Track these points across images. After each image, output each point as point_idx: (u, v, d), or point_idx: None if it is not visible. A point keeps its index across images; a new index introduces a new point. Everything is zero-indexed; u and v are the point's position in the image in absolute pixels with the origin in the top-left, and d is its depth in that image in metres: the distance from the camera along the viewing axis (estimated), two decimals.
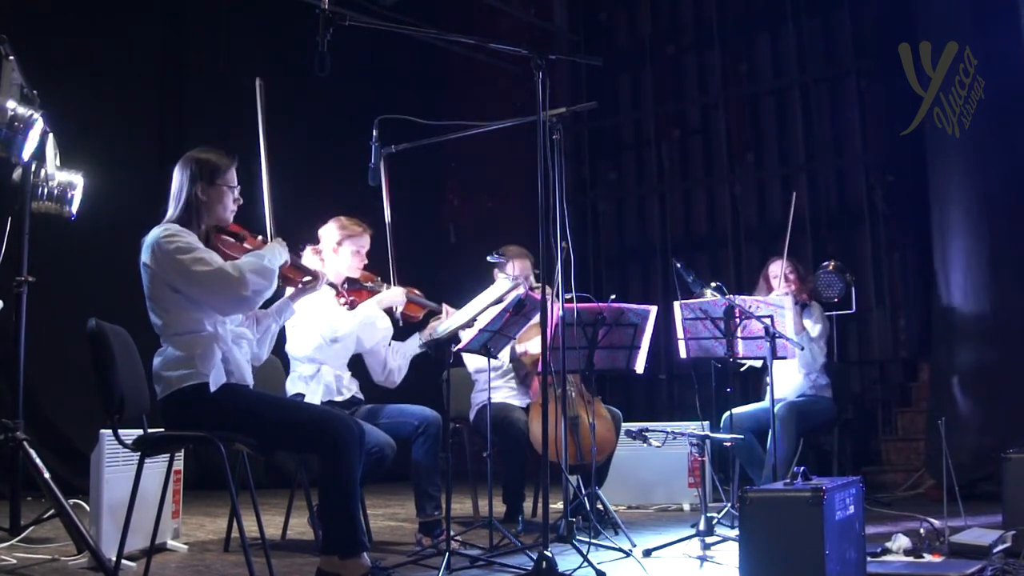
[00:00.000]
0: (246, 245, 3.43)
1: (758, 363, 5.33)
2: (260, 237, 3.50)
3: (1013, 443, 4.07)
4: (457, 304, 4.24)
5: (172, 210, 3.33)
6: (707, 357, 4.71)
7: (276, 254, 3.37)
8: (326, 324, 4.20)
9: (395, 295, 4.32)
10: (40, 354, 5.10)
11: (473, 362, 4.96)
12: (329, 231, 4.33)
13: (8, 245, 4.05)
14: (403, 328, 4.47)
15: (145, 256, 3.22)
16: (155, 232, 3.24)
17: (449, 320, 4.13)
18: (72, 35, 6.59)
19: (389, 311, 4.34)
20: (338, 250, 4.30)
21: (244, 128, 7.30)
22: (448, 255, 9.19)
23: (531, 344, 4.89)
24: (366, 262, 4.38)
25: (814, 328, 5.39)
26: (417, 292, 4.47)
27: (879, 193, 7.82)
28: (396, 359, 4.50)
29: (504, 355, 4.83)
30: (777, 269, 5.50)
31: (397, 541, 4.58)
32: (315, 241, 4.37)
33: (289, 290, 3.67)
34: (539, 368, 4.72)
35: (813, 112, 8.18)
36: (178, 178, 3.34)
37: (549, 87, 3.44)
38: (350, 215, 4.44)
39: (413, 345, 4.53)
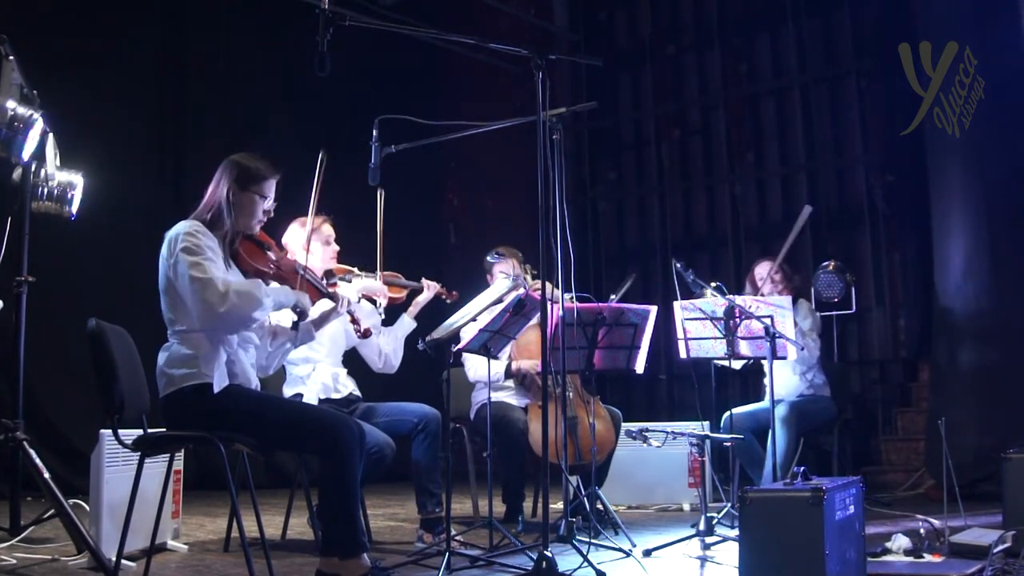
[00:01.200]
0: (270, 254, 3.43)
1: (737, 364, 5.33)
2: (285, 251, 3.49)
3: (1013, 443, 4.07)
4: (457, 305, 4.25)
5: (200, 208, 3.35)
6: (707, 357, 4.71)
7: (283, 295, 3.34)
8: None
9: (373, 284, 4.31)
10: (40, 354, 5.11)
11: (472, 371, 4.96)
12: (293, 232, 4.32)
13: (8, 245, 4.05)
14: (389, 312, 4.47)
15: (164, 249, 3.24)
16: (178, 227, 3.25)
17: (449, 320, 4.13)
18: (72, 35, 6.59)
19: (371, 299, 4.34)
20: (308, 246, 4.29)
21: (243, 128, 7.34)
22: (448, 255, 9.20)
23: (526, 362, 4.90)
24: (338, 249, 4.38)
25: (804, 322, 5.39)
26: (396, 274, 4.47)
27: (879, 193, 7.82)
28: (389, 343, 4.50)
29: (495, 370, 4.84)
30: (763, 271, 5.49)
31: (397, 541, 4.58)
32: None
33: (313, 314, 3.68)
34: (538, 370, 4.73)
35: (813, 112, 8.18)
36: (215, 177, 3.36)
37: (549, 87, 3.44)
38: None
39: (404, 325, 4.55)
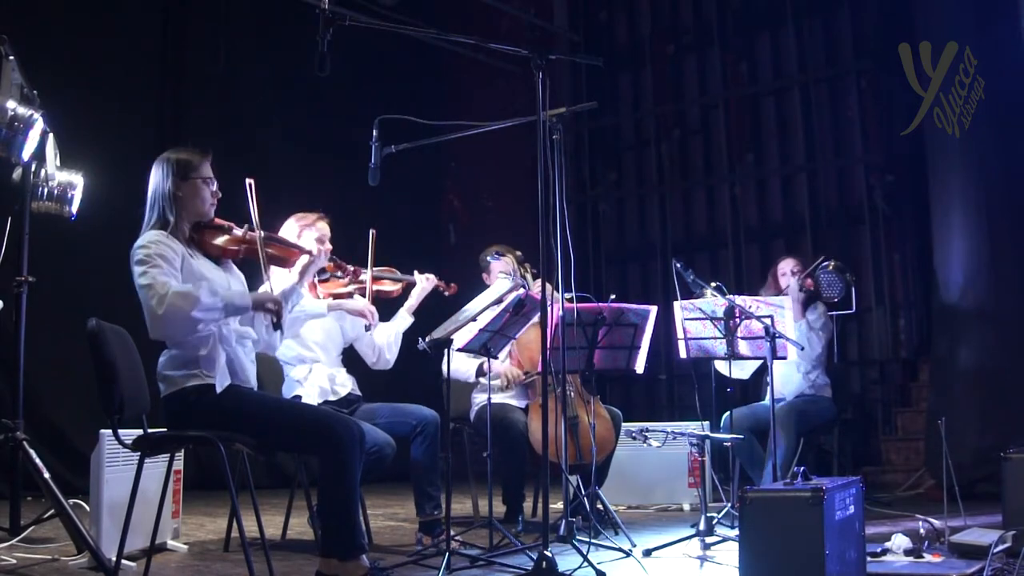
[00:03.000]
0: (235, 232, 3.45)
1: (744, 375, 5.34)
2: (246, 226, 3.48)
3: (1013, 443, 4.07)
4: (457, 305, 4.24)
5: (149, 214, 3.35)
6: (707, 357, 4.71)
7: (237, 298, 3.27)
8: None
9: (357, 304, 4.30)
10: (40, 354, 5.10)
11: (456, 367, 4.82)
12: (288, 228, 4.31)
13: (8, 245, 4.05)
14: (387, 307, 4.47)
15: (131, 266, 3.25)
16: (137, 242, 3.27)
17: (449, 320, 4.13)
18: (72, 35, 6.59)
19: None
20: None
21: (243, 128, 7.34)
22: (448, 255, 9.19)
23: (508, 367, 4.88)
24: (331, 247, 4.36)
25: (816, 322, 5.41)
26: (390, 269, 4.45)
27: (879, 193, 7.82)
28: (384, 338, 4.48)
29: (468, 370, 4.84)
30: (786, 267, 5.53)
31: (397, 541, 4.58)
32: None
33: (294, 275, 3.66)
34: (538, 369, 4.72)
35: (813, 112, 8.19)
36: (153, 180, 3.37)
37: (549, 87, 3.44)
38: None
39: (400, 321, 4.53)
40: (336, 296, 4.33)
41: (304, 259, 3.65)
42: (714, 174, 8.74)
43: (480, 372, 4.86)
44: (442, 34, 6.87)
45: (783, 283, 5.52)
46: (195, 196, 3.36)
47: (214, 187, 3.42)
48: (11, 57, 3.95)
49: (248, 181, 3.48)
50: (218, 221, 3.45)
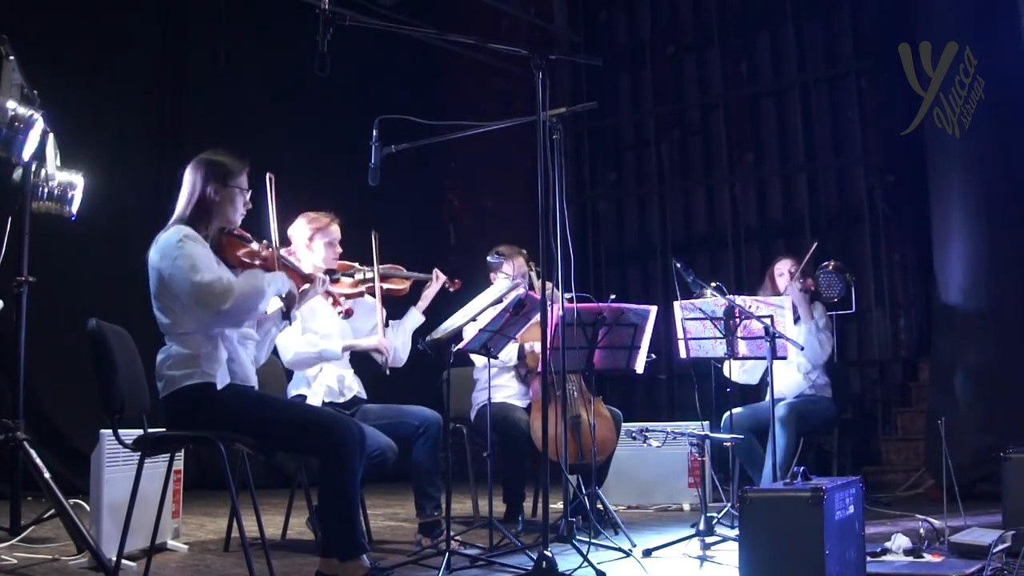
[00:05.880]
0: (253, 246, 3.46)
1: (752, 379, 5.34)
2: (264, 241, 3.50)
3: (1013, 443, 4.07)
4: (457, 305, 4.24)
5: (182, 209, 3.35)
6: (707, 357, 4.71)
7: (279, 281, 3.37)
8: (317, 341, 4.23)
9: (372, 342, 4.31)
10: (40, 354, 5.10)
11: (480, 360, 4.94)
12: (299, 228, 4.30)
13: (8, 245, 4.05)
14: (396, 304, 4.47)
15: (155, 256, 3.23)
16: (168, 233, 3.26)
17: (449, 321, 4.13)
18: (72, 35, 6.59)
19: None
20: (311, 245, 4.28)
21: (243, 128, 7.34)
22: (448, 255, 9.19)
23: (538, 343, 4.87)
24: (340, 251, 4.36)
25: (820, 320, 5.41)
26: (397, 267, 4.43)
27: (879, 193, 7.82)
28: (396, 337, 4.47)
29: (508, 354, 4.80)
30: (783, 267, 5.52)
31: (397, 541, 4.58)
32: None
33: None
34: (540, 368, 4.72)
35: (813, 112, 8.19)
36: (190, 178, 3.36)
37: (549, 87, 3.44)
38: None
39: (412, 319, 4.52)
40: (348, 296, 4.34)
41: (305, 286, 3.66)
42: (714, 174, 8.74)
43: (520, 354, 4.87)
44: (442, 34, 6.86)
45: (780, 284, 5.50)
46: (230, 203, 3.38)
47: (247, 197, 3.44)
48: (11, 57, 3.95)
49: (269, 176, 3.49)
50: (240, 231, 3.47)
